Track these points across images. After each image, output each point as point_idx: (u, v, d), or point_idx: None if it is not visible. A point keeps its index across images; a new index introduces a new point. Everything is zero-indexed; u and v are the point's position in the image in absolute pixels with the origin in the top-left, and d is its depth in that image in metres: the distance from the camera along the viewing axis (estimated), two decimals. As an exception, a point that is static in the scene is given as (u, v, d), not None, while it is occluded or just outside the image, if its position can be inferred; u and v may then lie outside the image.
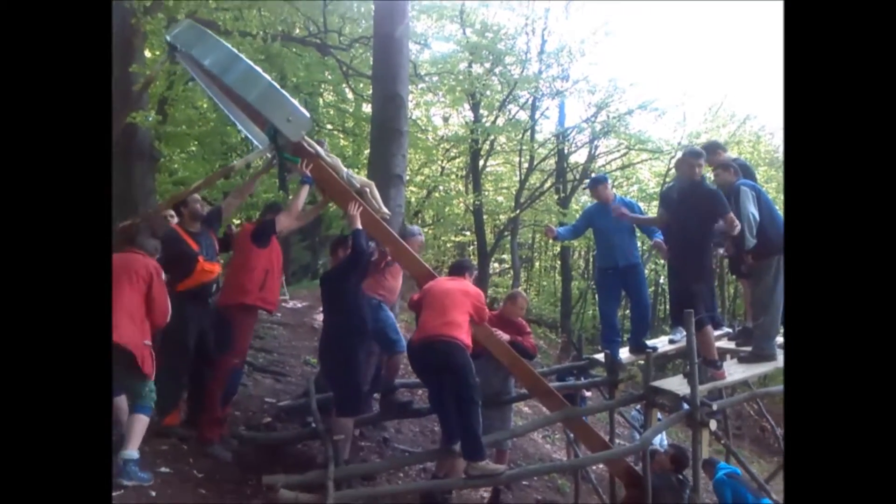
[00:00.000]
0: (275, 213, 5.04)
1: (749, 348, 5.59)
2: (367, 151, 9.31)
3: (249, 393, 6.14)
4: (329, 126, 13.84)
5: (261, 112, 4.47)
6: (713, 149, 6.16)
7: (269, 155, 4.79)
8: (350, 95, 13.10)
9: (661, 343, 6.43)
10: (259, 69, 4.60)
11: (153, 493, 3.80)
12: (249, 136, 5.19)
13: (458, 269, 5.04)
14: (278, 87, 4.54)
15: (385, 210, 5.24)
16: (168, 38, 4.76)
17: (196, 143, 12.73)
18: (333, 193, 4.87)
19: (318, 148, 4.77)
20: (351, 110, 13.64)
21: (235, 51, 4.73)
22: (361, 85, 12.17)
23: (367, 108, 12.68)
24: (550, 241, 6.44)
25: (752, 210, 5.20)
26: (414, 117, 14.99)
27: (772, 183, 17.76)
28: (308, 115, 4.66)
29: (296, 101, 4.48)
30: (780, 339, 5.67)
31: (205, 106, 12.98)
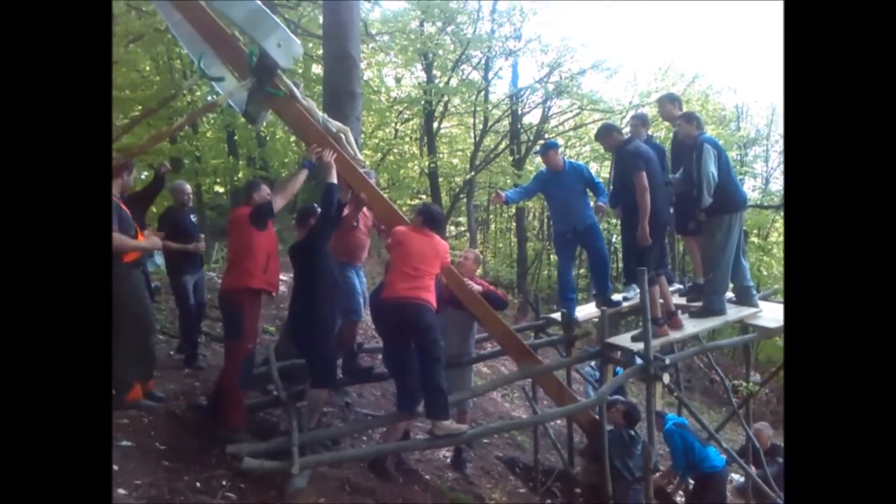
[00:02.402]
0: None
1: (699, 304, 5.79)
2: (319, 115, 9.12)
3: (209, 363, 6.07)
4: (279, 88, 13.49)
5: (250, 35, 4.33)
6: (670, 99, 6.29)
7: (247, 88, 4.58)
8: (300, 56, 12.75)
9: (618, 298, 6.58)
10: None
11: (115, 468, 3.76)
12: (215, 85, 5.03)
13: (431, 222, 4.72)
14: (269, 12, 4.40)
15: (360, 157, 5.16)
16: None
17: (139, 107, 12.28)
18: (309, 138, 4.77)
19: (294, 89, 4.65)
20: (301, 71, 13.31)
21: None
22: (311, 45, 11.86)
23: (317, 70, 12.40)
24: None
25: (713, 170, 5.31)
26: (366, 78, 14.72)
27: (719, 140, 18.14)
28: (298, 42, 4.54)
29: (286, 28, 4.38)
30: (729, 294, 5.89)
31: (147, 69, 12.50)
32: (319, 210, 4.72)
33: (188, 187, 6.41)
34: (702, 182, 5.30)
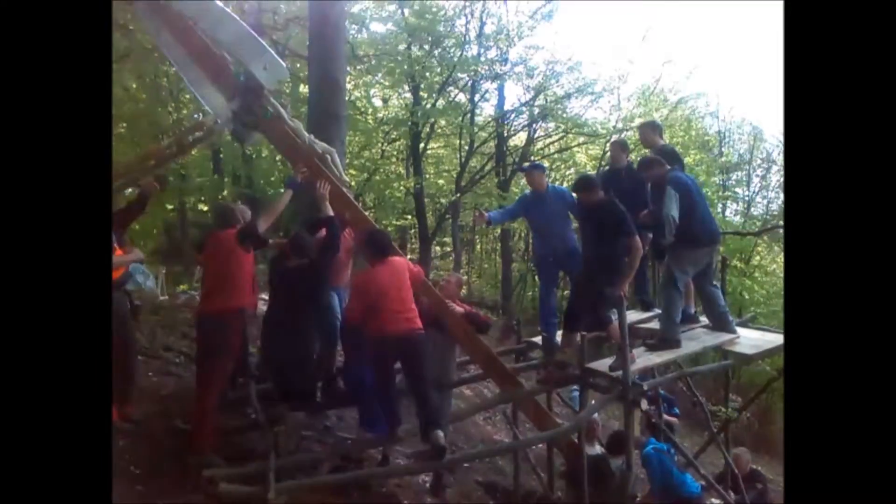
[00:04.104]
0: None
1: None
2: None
3: (186, 385, 6.01)
4: (266, 108, 13.53)
5: (237, 58, 4.41)
6: (651, 127, 6.37)
7: (234, 109, 4.63)
8: (286, 76, 12.81)
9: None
10: (235, 15, 4.55)
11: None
12: (205, 104, 5.09)
13: (384, 250, 4.74)
14: (256, 35, 4.49)
15: (345, 178, 5.25)
16: None
17: (124, 124, 12.25)
18: (295, 158, 4.85)
19: (281, 110, 4.71)
20: (287, 91, 13.36)
21: None
22: (298, 65, 11.94)
23: (304, 89, 12.46)
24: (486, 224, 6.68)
25: (673, 213, 5.24)
26: (353, 98, 14.81)
27: (701, 165, 18.37)
28: (284, 65, 4.63)
29: (272, 51, 4.46)
30: (705, 321, 5.93)
31: (134, 86, 12.49)
32: (324, 242, 4.76)
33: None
34: (664, 223, 5.31)
